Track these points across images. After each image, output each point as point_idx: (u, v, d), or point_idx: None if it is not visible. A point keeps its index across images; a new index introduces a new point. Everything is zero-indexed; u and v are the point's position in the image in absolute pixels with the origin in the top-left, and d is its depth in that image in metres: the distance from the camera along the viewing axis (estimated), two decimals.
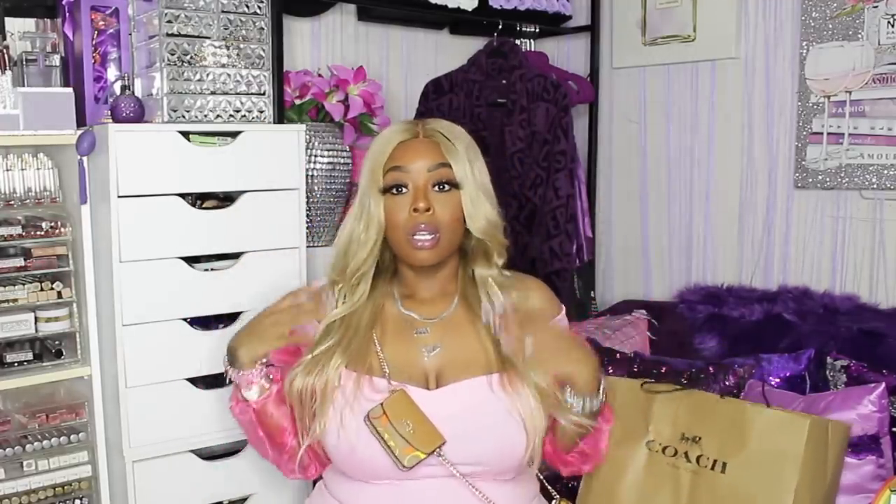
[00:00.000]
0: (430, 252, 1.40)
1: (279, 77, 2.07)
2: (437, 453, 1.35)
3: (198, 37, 1.88)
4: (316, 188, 2.24)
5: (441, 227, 1.39)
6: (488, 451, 1.37)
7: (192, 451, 1.91)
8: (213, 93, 1.90)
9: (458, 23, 2.70)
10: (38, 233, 1.83)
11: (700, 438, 1.59)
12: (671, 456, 1.62)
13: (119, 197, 1.76)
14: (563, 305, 1.56)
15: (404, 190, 1.39)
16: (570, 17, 2.77)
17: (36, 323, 1.83)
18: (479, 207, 1.42)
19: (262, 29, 1.96)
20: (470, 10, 2.49)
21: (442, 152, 1.40)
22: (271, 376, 1.44)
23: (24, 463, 1.81)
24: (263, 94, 1.97)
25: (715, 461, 1.57)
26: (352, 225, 1.44)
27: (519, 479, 1.46)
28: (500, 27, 2.58)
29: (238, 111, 1.94)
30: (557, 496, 1.50)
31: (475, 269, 1.48)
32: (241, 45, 1.93)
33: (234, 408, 1.48)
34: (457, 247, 1.46)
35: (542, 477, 1.52)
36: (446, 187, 1.40)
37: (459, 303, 1.48)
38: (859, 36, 2.18)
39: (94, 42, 1.93)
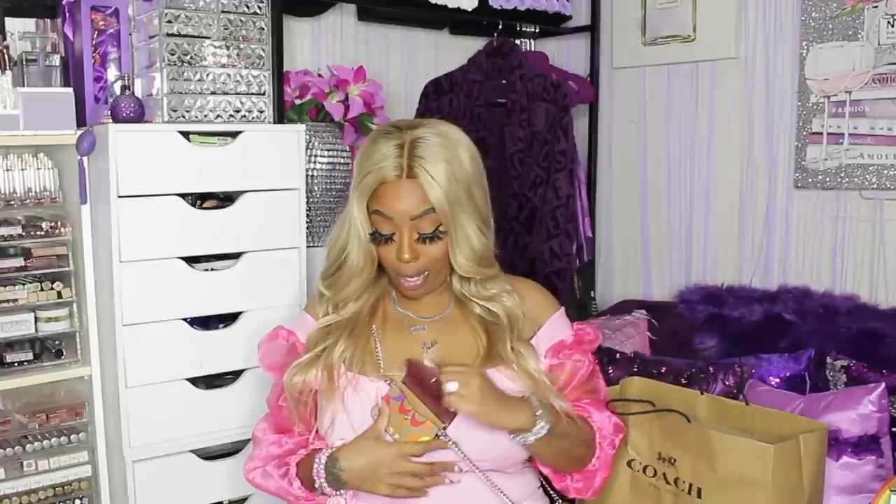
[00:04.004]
0: (418, 290, 1.42)
1: (279, 77, 2.07)
2: (441, 435, 1.35)
3: (198, 37, 1.88)
4: (316, 188, 2.24)
5: (429, 267, 1.39)
6: (494, 445, 1.38)
7: (192, 451, 1.91)
8: (213, 93, 1.90)
9: (458, 23, 2.70)
10: (38, 233, 1.83)
11: (675, 460, 1.57)
12: (651, 476, 1.60)
13: (119, 197, 1.76)
14: (560, 304, 1.55)
15: (390, 241, 1.37)
16: (570, 17, 2.77)
17: (36, 323, 1.83)
18: (464, 249, 1.38)
19: (262, 29, 1.96)
20: (470, 10, 2.49)
21: (426, 197, 1.33)
22: None
23: (24, 463, 1.81)
24: (263, 94, 1.97)
25: (691, 485, 1.55)
26: (344, 239, 1.41)
27: (521, 472, 1.48)
28: (500, 27, 2.58)
29: (238, 111, 1.94)
30: (559, 499, 1.51)
31: (465, 289, 1.46)
32: (241, 45, 1.93)
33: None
34: (447, 274, 1.46)
35: (542, 478, 1.53)
36: (430, 239, 1.36)
37: (455, 306, 1.49)
38: (859, 36, 2.18)
39: (94, 42, 1.93)
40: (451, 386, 1.32)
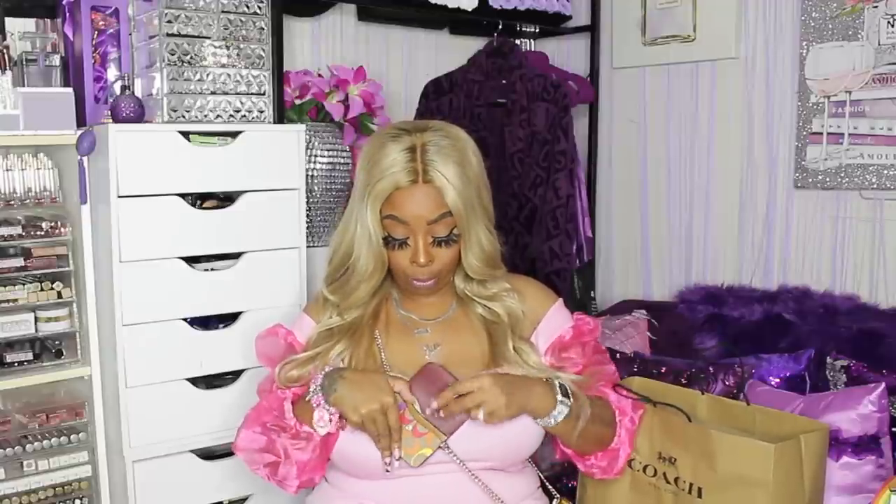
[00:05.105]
0: (428, 290, 1.43)
1: (279, 77, 2.07)
2: (443, 448, 1.35)
3: (198, 37, 1.88)
4: (316, 188, 2.24)
5: (441, 271, 1.40)
6: (498, 444, 1.39)
7: (192, 451, 1.91)
8: (213, 93, 1.90)
9: (458, 23, 2.70)
10: (38, 233, 1.83)
11: (675, 460, 1.56)
12: (651, 476, 1.60)
13: (119, 197, 1.76)
14: (558, 297, 1.56)
15: (404, 245, 1.37)
16: (570, 17, 2.77)
17: (36, 323, 1.82)
18: (475, 251, 1.40)
19: (262, 29, 1.96)
20: (470, 10, 2.49)
21: (443, 201, 1.34)
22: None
23: (24, 463, 1.81)
24: (263, 94, 1.97)
25: (691, 485, 1.54)
26: (349, 244, 1.41)
27: (522, 472, 1.48)
28: (500, 27, 2.58)
29: (238, 111, 1.94)
30: (558, 496, 1.51)
31: (468, 288, 1.47)
32: (241, 45, 1.93)
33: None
34: (454, 274, 1.47)
35: (543, 476, 1.53)
36: (445, 242, 1.37)
37: (457, 306, 1.49)
38: (859, 36, 2.18)
39: (94, 42, 1.93)
40: (480, 417, 1.31)
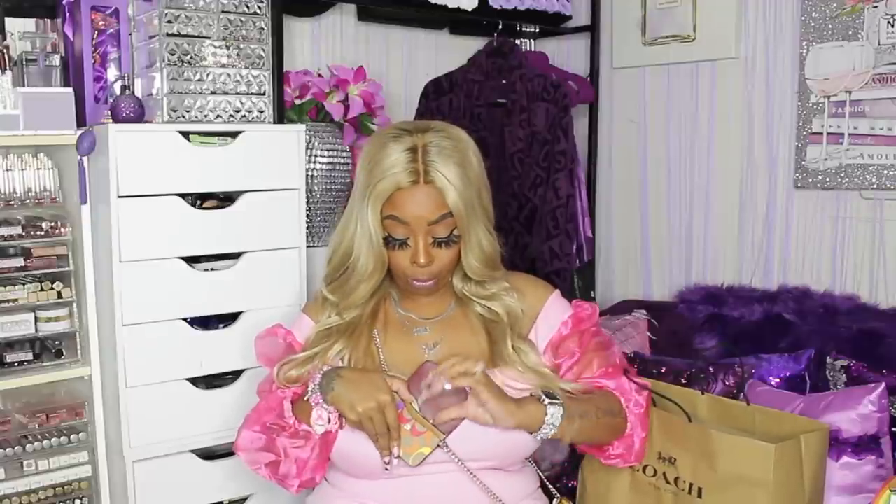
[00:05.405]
0: (428, 290, 1.43)
1: (279, 77, 2.07)
2: (442, 446, 1.35)
3: (198, 37, 1.88)
4: (316, 188, 2.24)
5: (441, 272, 1.41)
6: (496, 444, 1.39)
7: (192, 451, 1.91)
8: (213, 93, 1.90)
9: (458, 23, 2.70)
10: (38, 233, 1.83)
11: (675, 460, 1.56)
12: (651, 476, 1.60)
13: (119, 197, 1.76)
14: (554, 288, 1.56)
15: (404, 245, 1.38)
16: (570, 17, 2.77)
17: (36, 323, 1.83)
18: (476, 252, 1.40)
19: (262, 29, 1.96)
20: (470, 10, 2.49)
21: (443, 202, 1.34)
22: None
23: (24, 463, 1.81)
24: (263, 94, 1.97)
25: (691, 485, 1.54)
26: (349, 244, 1.42)
27: (522, 471, 1.48)
28: (500, 27, 2.58)
29: (238, 111, 1.94)
30: (558, 496, 1.51)
31: (466, 288, 1.47)
32: (241, 45, 1.93)
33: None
34: (453, 274, 1.47)
35: (543, 476, 1.53)
36: (445, 243, 1.38)
37: (456, 305, 1.49)
38: (859, 36, 2.18)
39: (94, 42, 1.93)
40: (480, 365, 1.31)
